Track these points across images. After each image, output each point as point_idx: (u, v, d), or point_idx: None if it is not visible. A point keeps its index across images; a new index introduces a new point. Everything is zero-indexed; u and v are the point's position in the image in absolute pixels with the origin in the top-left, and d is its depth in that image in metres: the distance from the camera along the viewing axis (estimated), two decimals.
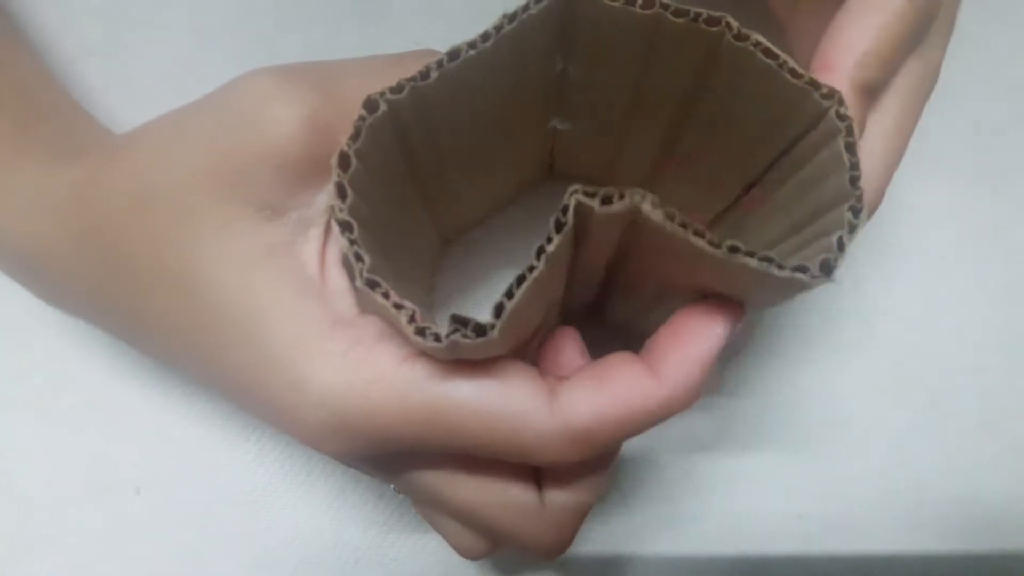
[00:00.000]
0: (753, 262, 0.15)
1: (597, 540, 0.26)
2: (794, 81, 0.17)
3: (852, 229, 0.16)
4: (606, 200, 0.15)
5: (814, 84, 0.17)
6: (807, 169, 0.18)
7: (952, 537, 0.27)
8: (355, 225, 0.16)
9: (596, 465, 0.19)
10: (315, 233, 0.18)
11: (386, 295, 0.16)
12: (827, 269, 0.15)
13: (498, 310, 0.15)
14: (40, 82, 0.24)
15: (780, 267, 0.15)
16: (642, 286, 0.20)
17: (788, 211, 0.19)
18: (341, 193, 0.16)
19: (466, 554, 0.21)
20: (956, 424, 0.28)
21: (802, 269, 0.15)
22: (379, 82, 0.17)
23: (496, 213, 0.27)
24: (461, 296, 0.27)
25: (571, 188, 0.15)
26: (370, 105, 0.16)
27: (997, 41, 0.30)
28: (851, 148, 0.16)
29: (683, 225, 0.15)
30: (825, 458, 0.27)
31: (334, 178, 0.16)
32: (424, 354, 0.17)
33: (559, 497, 0.19)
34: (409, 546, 0.26)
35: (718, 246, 0.15)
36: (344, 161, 0.16)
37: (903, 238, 0.29)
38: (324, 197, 0.18)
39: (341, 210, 0.16)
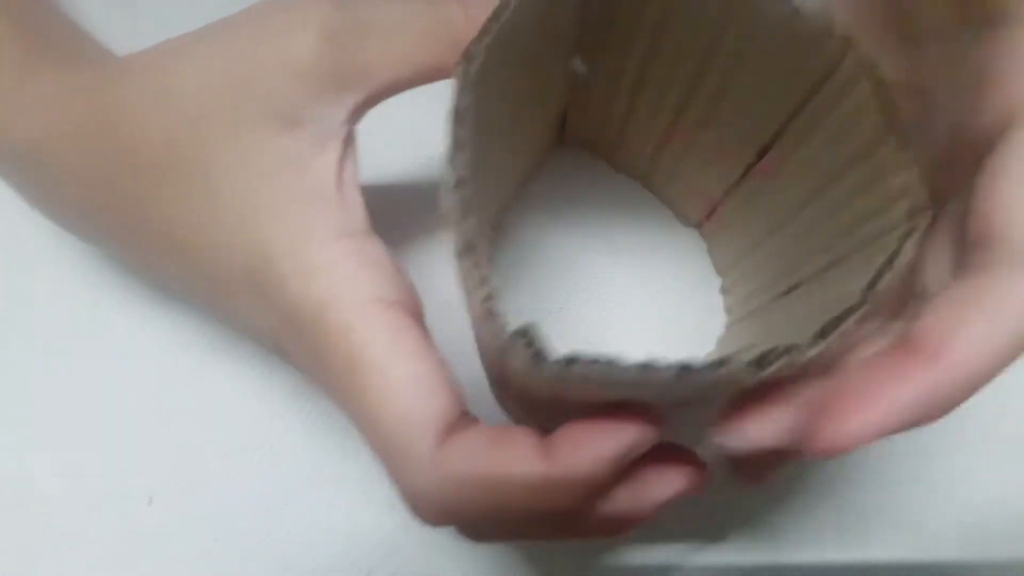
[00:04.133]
0: (890, 276, 0.15)
1: (612, 549, 0.26)
2: (808, 24, 0.17)
3: (908, 165, 0.16)
4: (760, 364, 0.14)
5: (827, 29, 0.17)
6: (831, 119, 0.18)
7: (973, 545, 0.27)
8: (470, 181, 0.15)
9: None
10: (332, 147, 0.18)
11: (477, 264, 0.15)
12: (914, 213, 0.15)
13: (570, 361, 0.14)
14: (50, 6, 0.25)
15: (896, 253, 0.15)
16: None
17: (815, 165, 0.19)
18: (459, 146, 0.15)
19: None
20: (974, 432, 0.28)
21: (908, 235, 0.15)
22: (404, 15, 0.17)
23: (517, 191, 0.27)
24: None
25: (722, 357, 0.13)
26: (469, 56, 0.16)
27: None
28: (880, 87, 0.16)
29: (833, 323, 0.14)
30: (843, 466, 0.27)
31: (452, 131, 0.15)
32: (399, 305, 0.17)
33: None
34: (423, 555, 0.26)
35: (863, 304, 0.14)
36: (461, 116, 0.15)
37: None
38: (340, 112, 0.18)
39: (464, 166, 0.15)
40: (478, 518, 0.17)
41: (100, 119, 0.19)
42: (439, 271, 0.22)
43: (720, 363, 0.13)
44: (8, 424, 0.26)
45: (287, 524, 0.26)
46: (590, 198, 0.28)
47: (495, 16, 0.16)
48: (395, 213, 0.26)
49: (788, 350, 0.14)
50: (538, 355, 0.14)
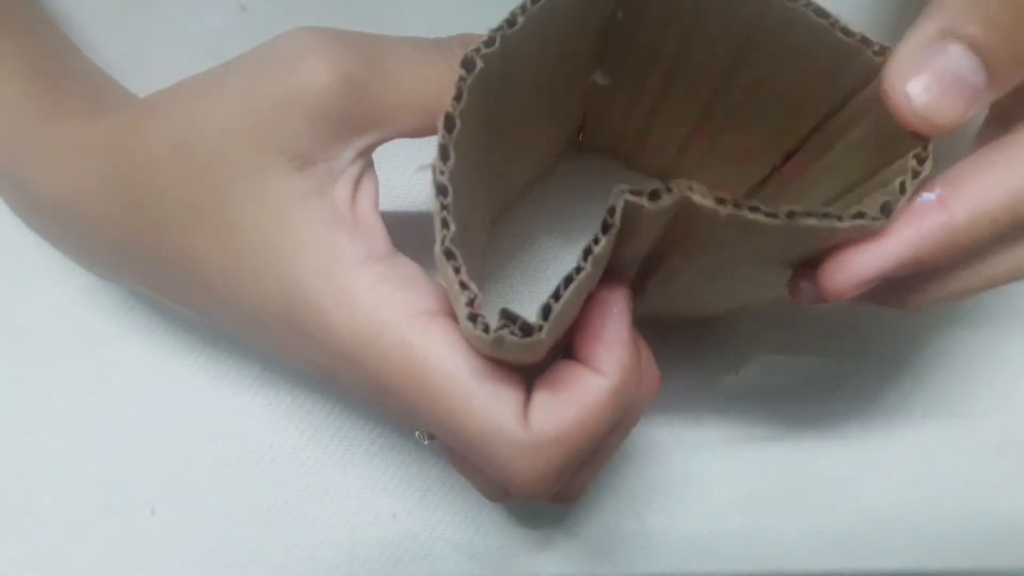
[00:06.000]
0: (813, 221, 0.15)
1: (613, 558, 0.26)
2: (846, 39, 0.17)
3: (916, 175, 0.16)
4: (654, 196, 0.15)
5: (866, 42, 0.17)
6: (860, 127, 0.18)
7: (973, 553, 0.27)
8: (451, 191, 0.15)
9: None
10: (342, 184, 0.19)
11: (457, 270, 0.15)
12: (886, 211, 0.16)
13: (546, 311, 0.15)
14: (66, 49, 0.25)
15: (840, 219, 0.15)
16: (682, 274, 0.20)
17: (838, 173, 0.20)
18: (444, 155, 0.16)
19: (487, 496, 0.22)
20: (976, 439, 0.28)
21: (860, 215, 0.16)
22: (419, 58, 0.17)
23: (528, 190, 0.28)
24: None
25: (617, 188, 0.15)
26: (468, 64, 0.16)
27: None
28: None
29: (736, 205, 0.15)
30: (842, 473, 0.27)
31: (439, 139, 0.16)
32: (441, 314, 0.17)
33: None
34: (425, 567, 0.26)
35: (775, 216, 0.15)
36: (449, 123, 0.16)
37: None
38: (350, 153, 0.19)
39: (442, 172, 0.15)
40: (580, 457, 0.18)
41: (122, 171, 0.20)
42: None
43: (621, 192, 0.15)
44: (8, 434, 0.26)
45: (288, 534, 0.26)
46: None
47: (500, 27, 0.16)
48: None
49: (685, 188, 0.15)
50: (526, 328, 0.15)
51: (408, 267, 0.19)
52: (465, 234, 0.17)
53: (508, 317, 0.15)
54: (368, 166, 0.20)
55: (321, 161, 0.18)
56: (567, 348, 0.19)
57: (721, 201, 0.15)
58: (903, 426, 0.28)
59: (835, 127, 0.20)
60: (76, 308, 0.27)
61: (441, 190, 0.15)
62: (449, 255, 0.15)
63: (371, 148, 0.19)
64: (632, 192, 0.15)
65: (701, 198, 0.15)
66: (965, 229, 0.16)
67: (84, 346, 0.27)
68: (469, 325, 0.15)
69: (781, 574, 0.26)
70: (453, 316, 0.18)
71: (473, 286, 0.15)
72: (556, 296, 0.15)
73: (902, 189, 0.16)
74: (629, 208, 0.15)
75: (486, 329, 0.15)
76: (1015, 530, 0.27)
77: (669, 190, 0.15)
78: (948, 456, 0.27)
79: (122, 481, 0.26)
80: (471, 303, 0.15)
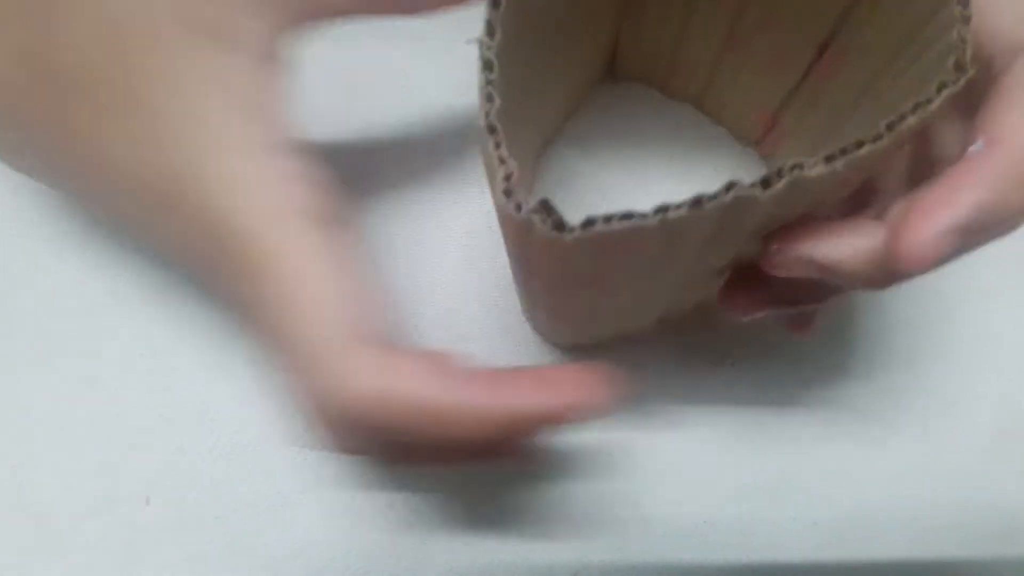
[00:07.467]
0: (912, 119, 0.15)
1: (608, 548, 0.26)
2: None
3: (966, 20, 0.16)
4: (767, 183, 0.15)
5: None
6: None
7: (968, 543, 0.27)
8: (496, 65, 0.16)
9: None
10: (253, 64, 0.19)
11: (498, 144, 0.15)
12: (960, 67, 0.16)
13: (587, 223, 0.15)
14: None
15: (929, 101, 0.15)
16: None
17: (877, 45, 0.20)
18: (490, 31, 0.16)
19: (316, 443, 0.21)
20: (972, 429, 0.28)
21: (944, 86, 0.15)
22: None
23: (564, 121, 0.28)
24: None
25: (729, 182, 0.15)
26: None
27: None
28: None
29: (842, 152, 0.15)
30: (838, 464, 0.27)
31: (486, 15, 0.16)
32: (320, 221, 0.18)
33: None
34: (420, 556, 0.26)
35: (881, 136, 0.15)
36: (495, 1, 0.16)
37: None
38: (261, 26, 0.19)
39: (489, 48, 0.16)
40: (369, 431, 0.17)
41: (46, 50, 0.19)
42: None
43: (727, 188, 0.14)
44: (2, 427, 0.26)
45: (283, 524, 0.26)
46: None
47: None
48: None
49: (792, 168, 0.15)
50: (558, 224, 0.15)
51: (305, 167, 0.19)
52: (517, 133, 0.16)
53: (546, 208, 0.15)
54: (282, 51, 0.19)
55: (229, 36, 0.18)
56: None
57: (831, 158, 0.15)
58: (898, 417, 0.28)
59: (865, 6, 0.19)
60: (67, 300, 0.27)
61: (487, 65, 0.16)
62: (491, 129, 0.15)
63: (290, 24, 0.19)
64: (746, 186, 0.15)
65: (814, 165, 0.15)
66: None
67: (77, 338, 0.27)
68: (503, 199, 0.15)
69: (776, 564, 0.26)
70: (336, 223, 0.18)
71: (512, 162, 0.15)
72: (607, 220, 0.15)
73: (963, 40, 0.16)
74: (739, 203, 0.15)
75: (519, 208, 0.15)
76: (1010, 519, 0.27)
77: (780, 174, 0.15)
78: (943, 446, 0.27)
79: (117, 472, 0.26)
80: (508, 178, 0.15)
